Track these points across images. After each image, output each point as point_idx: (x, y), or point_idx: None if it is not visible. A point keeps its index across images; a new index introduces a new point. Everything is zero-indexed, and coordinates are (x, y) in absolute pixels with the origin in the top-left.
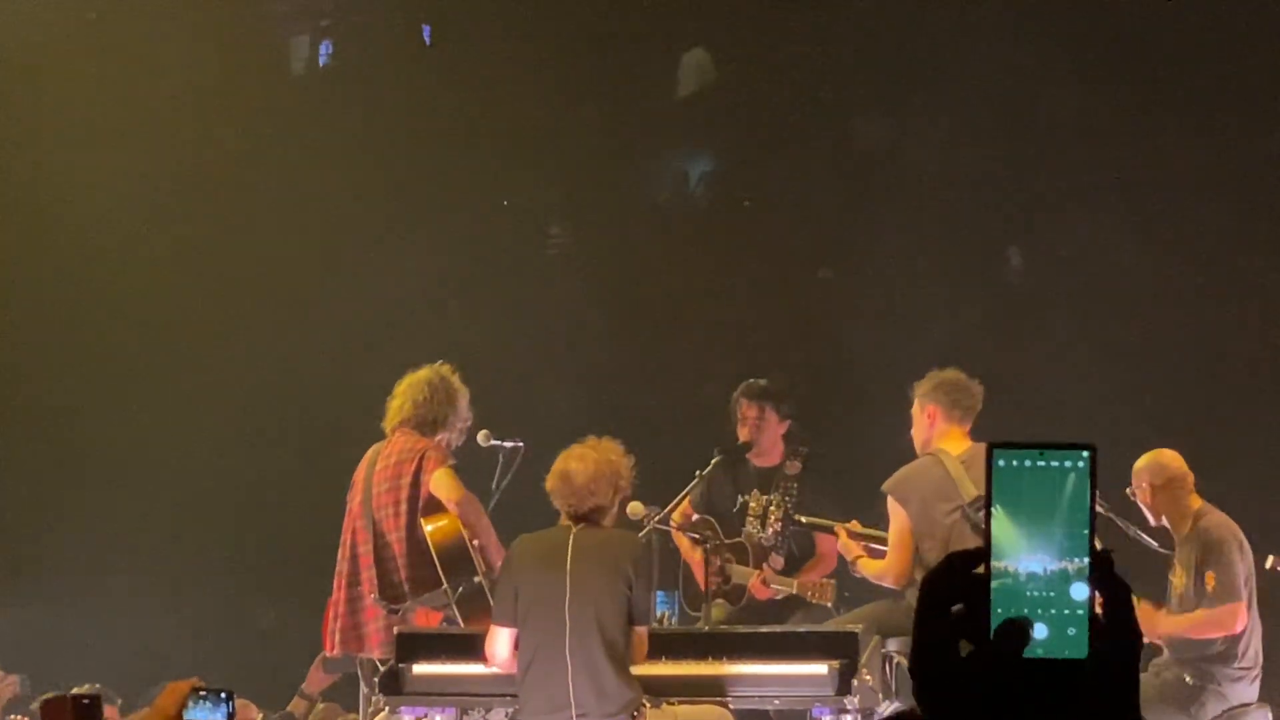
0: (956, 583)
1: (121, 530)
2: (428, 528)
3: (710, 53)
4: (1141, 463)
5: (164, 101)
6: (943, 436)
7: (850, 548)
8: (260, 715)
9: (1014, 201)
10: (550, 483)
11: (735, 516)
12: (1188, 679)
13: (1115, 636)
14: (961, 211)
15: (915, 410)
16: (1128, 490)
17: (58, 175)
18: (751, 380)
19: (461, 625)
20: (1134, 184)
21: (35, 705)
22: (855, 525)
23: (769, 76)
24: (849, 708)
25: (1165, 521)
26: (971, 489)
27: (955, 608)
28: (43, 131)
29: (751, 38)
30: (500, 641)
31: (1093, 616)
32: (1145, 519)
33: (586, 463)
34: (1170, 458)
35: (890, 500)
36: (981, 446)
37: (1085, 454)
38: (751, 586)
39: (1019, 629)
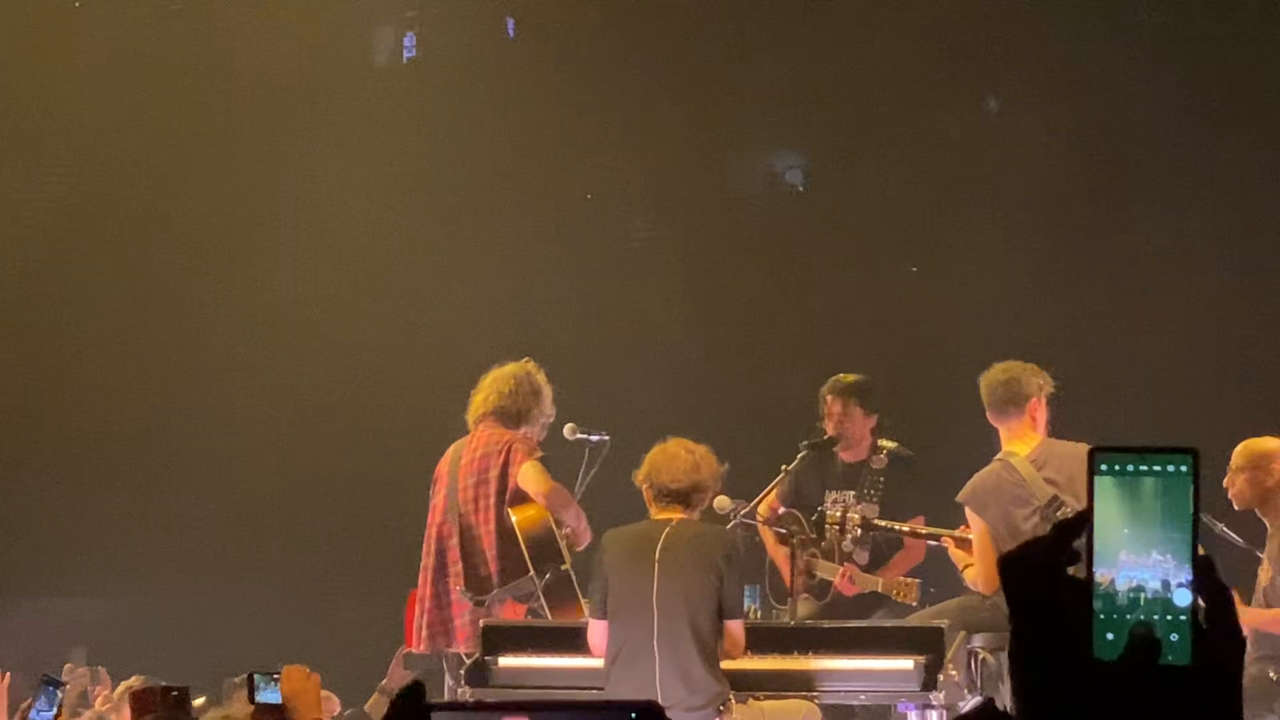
0: (1054, 584)
1: (202, 523)
2: (515, 517)
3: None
4: (1253, 446)
5: (245, 93)
6: (1005, 439)
7: (960, 557)
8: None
9: (1101, 197)
10: (647, 467)
11: (821, 515)
12: (1271, 675)
13: (1218, 642)
14: (1049, 207)
15: None
16: (1226, 483)
17: (126, 166)
18: (839, 375)
19: (548, 615)
20: (1222, 181)
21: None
22: (964, 531)
23: (856, 71)
24: (934, 703)
25: (1259, 513)
26: (1045, 489)
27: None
28: (120, 124)
29: (839, 32)
30: (602, 634)
31: (1195, 622)
32: (1233, 521)
33: (687, 446)
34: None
35: (968, 511)
36: (1050, 441)
37: (1188, 458)
38: (837, 584)
39: (1150, 641)
